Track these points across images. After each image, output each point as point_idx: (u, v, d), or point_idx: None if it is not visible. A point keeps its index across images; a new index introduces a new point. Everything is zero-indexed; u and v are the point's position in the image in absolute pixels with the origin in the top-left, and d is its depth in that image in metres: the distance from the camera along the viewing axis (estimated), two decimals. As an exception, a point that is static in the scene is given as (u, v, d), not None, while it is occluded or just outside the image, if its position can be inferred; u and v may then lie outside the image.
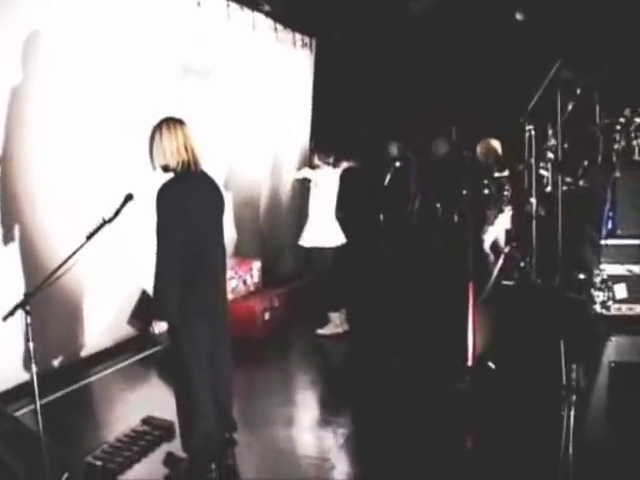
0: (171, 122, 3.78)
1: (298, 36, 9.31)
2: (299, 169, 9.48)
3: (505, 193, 7.10)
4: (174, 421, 4.21)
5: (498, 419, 4.54)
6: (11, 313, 3.21)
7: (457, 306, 5.73)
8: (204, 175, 3.91)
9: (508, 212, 7.15)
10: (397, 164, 9.30)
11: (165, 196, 3.68)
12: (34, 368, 3.25)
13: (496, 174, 7.32)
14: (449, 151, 8.85)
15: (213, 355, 3.94)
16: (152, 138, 3.77)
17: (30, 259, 5.26)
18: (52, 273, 3.36)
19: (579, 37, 7.79)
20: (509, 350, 4.89)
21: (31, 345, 3.22)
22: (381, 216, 9.47)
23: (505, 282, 5.45)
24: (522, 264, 5.62)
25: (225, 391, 4.10)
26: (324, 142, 7.27)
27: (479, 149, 7.44)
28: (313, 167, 7.01)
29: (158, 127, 3.77)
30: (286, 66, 9.00)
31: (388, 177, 9.37)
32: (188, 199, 3.70)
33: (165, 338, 5.90)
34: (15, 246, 5.22)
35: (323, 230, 6.82)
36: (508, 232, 7.28)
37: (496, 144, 7.45)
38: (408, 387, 5.31)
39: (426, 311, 6.65)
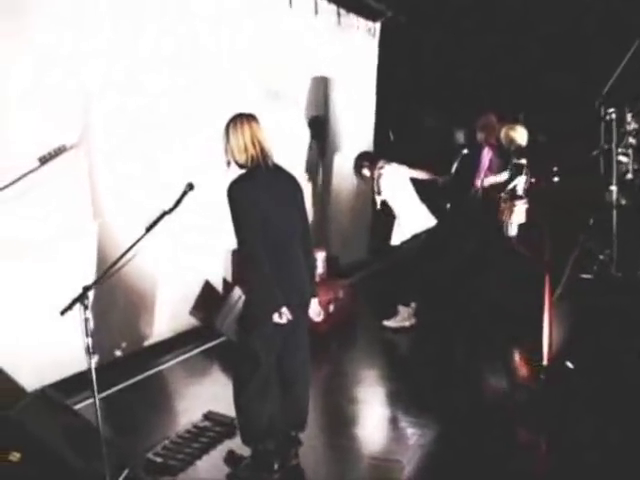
0: (238, 119, 3.69)
1: (362, 21, 9.08)
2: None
3: (519, 183, 6.73)
4: (234, 417, 4.08)
5: (575, 423, 4.28)
6: (69, 307, 3.14)
7: (531, 299, 5.49)
8: (277, 169, 3.77)
9: (523, 204, 6.74)
10: (465, 151, 9.02)
11: (234, 193, 3.59)
12: (93, 364, 3.17)
13: (514, 160, 6.94)
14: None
15: (289, 347, 3.81)
16: (224, 136, 3.72)
17: (100, 251, 5.26)
18: (110, 266, 3.28)
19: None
20: (587, 349, 4.61)
21: (89, 340, 3.13)
22: (447, 205, 9.22)
23: (583, 275, 5.15)
24: (601, 256, 5.31)
25: (298, 387, 3.94)
26: (369, 153, 7.00)
27: (502, 134, 7.01)
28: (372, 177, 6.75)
29: (227, 125, 3.71)
30: (349, 52, 8.78)
31: (455, 165, 9.11)
32: (258, 194, 3.59)
33: (232, 331, 5.91)
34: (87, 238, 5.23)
35: (414, 218, 6.61)
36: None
37: (517, 131, 6.96)
38: (480, 386, 5.09)
39: (498, 305, 6.38)
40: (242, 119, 3.67)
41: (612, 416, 4.22)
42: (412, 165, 6.80)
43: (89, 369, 3.19)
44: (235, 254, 6.85)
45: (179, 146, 5.93)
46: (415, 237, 6.58)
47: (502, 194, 6.88)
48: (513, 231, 6.85)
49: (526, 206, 6.74)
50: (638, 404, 4.26)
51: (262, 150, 3.65)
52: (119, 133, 5.36)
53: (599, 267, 5.23)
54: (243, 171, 3.69)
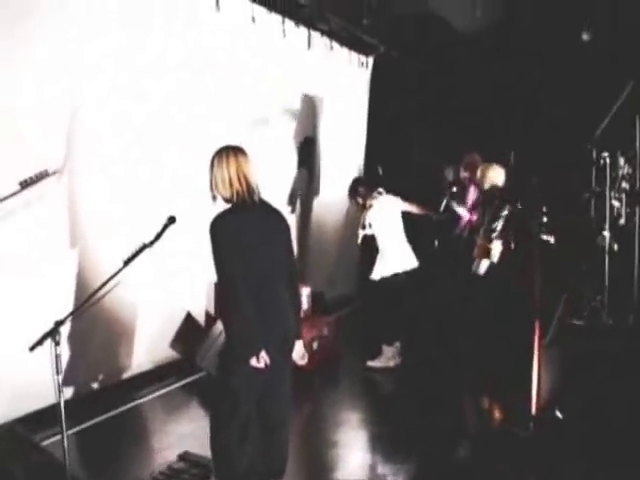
0: (224, 152, 3.56)
1: (354, 55, 9.07)
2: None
3: (496, 225, 6.67)
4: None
5: (564, 473, 4.14)
6: (39, 342, 2.99)
7: (519, 343, 5.37)
8: (262, 204, 3.64)
9: (498, 245, 6.68)
10: (454, 189, 8.97)
11: (216, 229, 3.45)
12: (62, 402, 3.02)
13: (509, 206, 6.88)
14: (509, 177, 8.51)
15: (269, 391, 3.65)
16: (209, 170, 3.59)
17: (78, 286, 5.12)
18: (86, 300, 3.14)
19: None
20: (577, 396, 4.49)
21: (60, 378, 2.99)
22: (435, 242, 9.14)
23: (573, 321, 5.05)
24: (593, 302, 5.21)
25: (278, 432, 3.77)
26: (366, 179, 6.91)
27: (479, 174, 6.92)
28: (364, 206, 6.66)
29: (212, 158, 3.58)
30: (341, 85, 8.75)
31: (444, 202, 9.05)
32: (242, 230, 3.46)
33: (212, 366, 5.76)
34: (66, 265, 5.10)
35: (398, 256, 6.52)
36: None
37: (494, 170, 6.89)
38: (466, 432, 4.94)
39: (485, 349, 6.26)
40: (228, 152, 3.54)
41: (600, 462, 4.08)
42: (407, 199, 6.71)
43: (59, 407, 3.04)
44: (217, 286, 6.72)
45: (164, 173, 5.83)
46: (395, 275, 6.47)
47: (480, 232, 6.82)
48: (482, 269, 6.77)
49: (501, 248, 6.69)
50: (626, 451, 4.12)
51: (248, 185, 3.52)
52: (102, 157, 5.26)
53: (590, 313, 5.14)
54: (228, 206, 3.56)
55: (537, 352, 4.45)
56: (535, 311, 4.51)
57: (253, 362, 3.40)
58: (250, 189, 3.52)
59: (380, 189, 6.59)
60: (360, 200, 6.67)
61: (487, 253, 6.67)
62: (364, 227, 6.60)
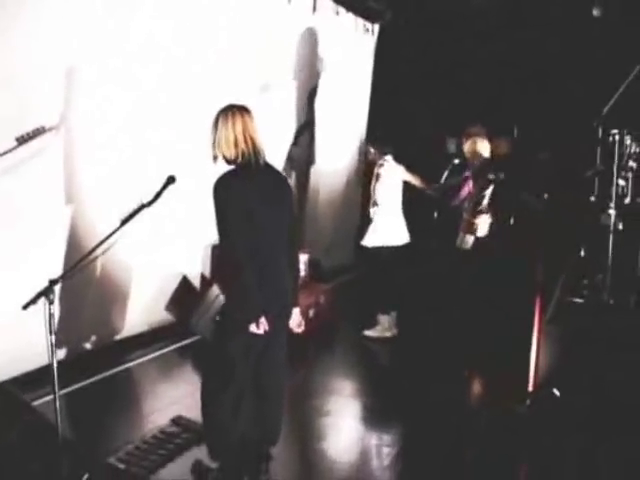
0: (229, 110, 3.41)
1: (360, 20, 8.90)
2: (356, 167, 9.16)
3: (482, 200, 6.64)
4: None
5: (556, 451, 4.12)
6: (33, 301, 2.92)
7: (517, 318, 5.34)
8: (267, 167, 3.52)
9: (485, 220, 6.65)
10: (456, 161, 8.88)
11: (220, 190, 3.34)
12: (54, 364, 2.96)
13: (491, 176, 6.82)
14: (512, 151, 8.44)
15: (265, 359, 3.58)
16: (212, 128, 3.44)
17: (71, 245, 5.03)
18: (81, 259, 3.07)
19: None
20: (576, 376, 4.45)
21: (53, 338, 2.92)
22: (435, 213, 9.07)
23: (573, 299, 4.99)
24: (594, 281, 5.15)
25: (273, 400, 3.72)
26: (383, 136, 6.78)
27: (466, 148, 6.85)
28: (371, 162, 6.59)
29: (217, 116, 3.43)
30: (346, 51, 8.60)
31: (445, 174, 8.96)
32: (246, 193, 3.35)
33: (207, 331, 5.72)
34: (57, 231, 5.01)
35: (388, 228, 6.43)
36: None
37: (483, 145, 6.79)
38: (460, 405, 4.91)
39: (483, 322, 6.21)
40: (234, 110, 3.41)
41: (598, 438, 4.06)
42: (409, 169, 6.61)
43: (51, 367, 2.99)
44: (215, 249, 6.65)
45: (162, 134, 5.71)
46: (385, 247, 6.41)
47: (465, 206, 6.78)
48: (468, 244, 6.73)
49: (490, 220, 6.65)
50: (624, 427, 4.10)
51: (254, 146, 3.40)
52: (100, 116, 5.13)
53: (591, 292, 5.08)
54: (231, 167, 3.45)
55: (537, 328, 4.41)
56: (537, 287, 4.46)
57: (252, 328, 3.33)
58: (256, 150, 3.41)
59: (387, 156, 6.48)
60: (372, 152, 6.55)
61: (472, 228, 6.65)
62: (375, 204, 6.50)
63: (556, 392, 4.34)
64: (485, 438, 4.39)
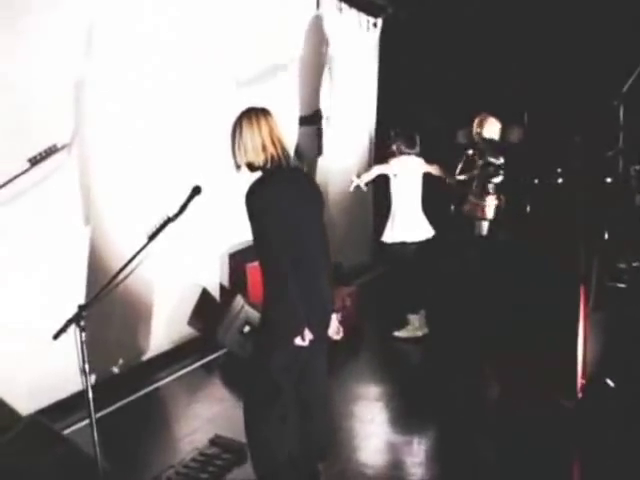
0: (253, 114, 3.24)
1: (363, 16, 8.73)
2: (367, 161, 8.98)
3: (494, 180, 6.53)
4: (244, 442, 3.68)
5: (611, 447, 3.93)
6: (63, 329, 2.75)
7: (554, 308, 5.17)
8: (297, 170, 3.39)
9: (493, 201, 6.55)
10: (470, 152, 8.72)
11: (257, 200, 3.16)
12: (90, 392, 2.79)
13: (491, 159, 6.71)
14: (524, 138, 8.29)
15: (308, 371, 3.43)
16: (232, 134, 3.25)
17: (92, 265, 4.89)
18: (110, 281, 2.89)
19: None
20: (627, 364, 4.26)
21: (86, 367, 2.75)
22: (452, 207, 8.91)
23: (613, 284, 4.81)
24: (635, 264, 4.97)
25: (319, 414, 3.55)
26: (407, 131, 6.58)
27: (475, 128, 6.81)
28: (387, 158, 6.41)
29: (238, 121, 3.24)
30: (351, 48, 8.44)
31: (460, 165, 8.80)
32: (284, 199, 3.18)
33: (234, 343, 5.56)
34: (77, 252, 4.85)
35: (408, 224, 6.25)
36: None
37: (492, 126, 6.75)
38: (503, 404, 4.73)
39: (518, 314, 6.04)
40: (257, 114, 3.24)
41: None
42: (428, 161, 6.44)
43: (87, 399, 2.82)
44: (232, 258, 6.48)
45: (176, 144, 5.57)
46: (404, 244, 6.24)
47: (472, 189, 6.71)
48: (484, 230, 6.63)
49: (496, 202, 6.55)
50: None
51: (283, 149, 3.23)
52: (114, 131, 5.00)
53: (632, 275, 4.89)
54: (258, 174, 3.27)
55: (583, 316, 4.22)
56: (579, 275, 4.28)
57: (298, 341, 3.16)
58: (285, 153, 3.24)
59: (415, 149, 6.31)
60: (395, 148, 6.35)
61: (482, 212, 6.56)
62: (358, 176, 6.40)
63: (610, 383, 4.16)
64: (530, 437, 4.20)
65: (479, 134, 6.76)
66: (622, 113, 6.45)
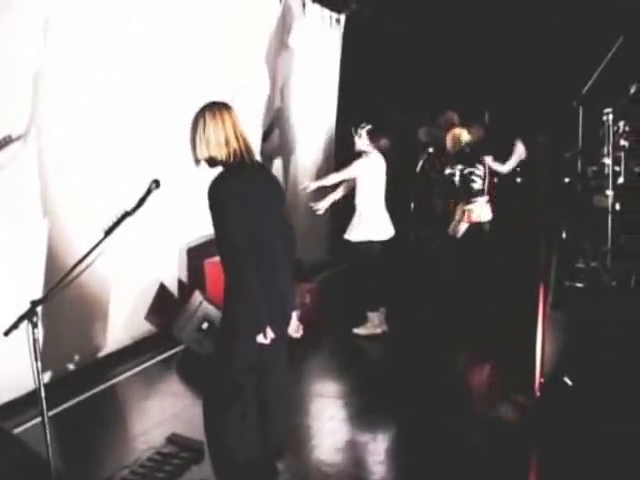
0: (215, 108, 3.16)
1: (326, 11, 8.69)
2: (325, 160, 8.94)
3: (474, 185, 6.67)
4: (203, 440, 3.62)
5: (569, 444, 3.96)
6: (15, 326, 2.66)
7: (513, 307, 5.21)
8: (260, 166, 3.31)
9: (484, 203, 6.69)
10: (430, 150, 8.76)
11: (220, 194, 3.08)
12: (42, 391, 2.70)
13: (459, 165, 6.85)
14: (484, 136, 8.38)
15: (270, 369, 3.39)
16: (194, 128, 3.16)
17: (49, 260, 4.77)
18: (64, 277, 2.81)
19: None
20: (584, 362, 4.31)
21: (38, 365, 2.66)
22: (412, 205, 8.93)
23: (572, 284, 4.86)
24: (593, 264, 5.04)
25: (278, 411, 3.51)
26: (376, 126, 6.50)
27: (449, 142, 6.96)
28: (350, 158, 6.34)
29: (201, 115, 3.15)
30: (314, 43, 8.39)
31: (420, 163, 8.83)
32: (247, 194, 3.11)
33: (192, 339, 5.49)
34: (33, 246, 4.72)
35: (374, 222, 6.20)
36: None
37: (461, 132, 6.91)
38: (459, 401, 4.74)
39: (475, 312, 6.08)
40: (220, 108, 3.16)
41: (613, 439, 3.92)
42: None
43: (39, 397, 2.73)
44: (191, 253, 6.39)
45: (135, 137, 5.48)
46: (370, 242, 6.19)
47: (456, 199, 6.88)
48: (459, 233, 6.79)
49: (487, 203, 6.70)
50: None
51: (246, 144, 3.17)
52: (72, 123, 4.89)
53: (590, 276, 4.95)
54: (217, 170, 3.20)
55: (542, 315, 4.26)
56: (539, 274, 4.31)
57: (260, 338, 3.11)
58: (248, 148, 3.18)
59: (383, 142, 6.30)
60: (365, 144, 6.21)
61: (468, 215, 6.67)
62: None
63: (568, 381, 4.19)
64: (489, 435, 4.24)
65: (457, 143, 6.85)
66: (581, 114, 6.57)
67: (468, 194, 6.71)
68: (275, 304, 3.18)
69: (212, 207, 3.08)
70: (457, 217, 6.90)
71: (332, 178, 6.39)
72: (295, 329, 3.49)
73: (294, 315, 3.45)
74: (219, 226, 3.09)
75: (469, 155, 6.84)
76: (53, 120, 4.75)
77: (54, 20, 4.64)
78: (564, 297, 4.71)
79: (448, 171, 7.01)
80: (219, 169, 3.20)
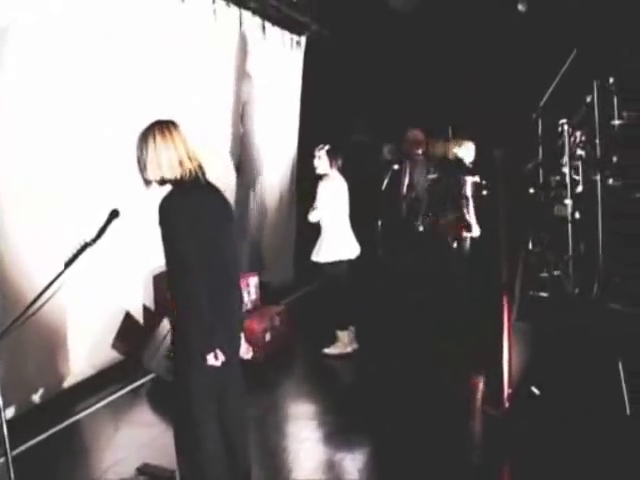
0: (164, 127, 3.11)
1: (287, 34, 8.74)
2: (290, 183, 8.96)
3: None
4: (174, 469, 3.58)
5: (540, 453, 3.99)
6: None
7: (476, 319, 5.24)
8: (210, 185, 3.27)
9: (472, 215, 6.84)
10: (395, 167, 8.84)
11: (173, 215, 3.04)
12: (5, 429, 2.66)
13: (430, 175, 6.96)
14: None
15: (225, 395, 3.33)
16: (144, 148, 3.10)
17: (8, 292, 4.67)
18: (23, 313, 2.77)
19: (593, 24, 7.33)
20: (550, 372, 4.34)
21: (1, 401, 2.61)
22: (379, 222, 8.98)
23: (536, 293, 4.92)
24: (556, 273, 5.10)
25: (240, 433, 3.46)
26: (333, 146, 6.50)
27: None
28: (314, 180, 6.35)
29: (151, 135, 3.09)
30: (274, 66, 8.42)
31: (386, 181, 8.90)
32: (200, 214, 3.07)
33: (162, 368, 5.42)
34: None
35: (340, 242, 6.21)
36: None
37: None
38: (433, 416, 4.75)
39: (443, 326, 6.12)
40: (169, 127, 3.11)
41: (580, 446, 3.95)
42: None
43: (1, 436, 2.68)
44: (156, 279, 6.34)
45: (95, 162, 5.45)
46: (338, 262, 6.19)
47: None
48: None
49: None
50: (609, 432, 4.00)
51: (198, 163, 3.14)
52: (31, 149, 4.83)
53: (554, 285, 5.01)
54: (169, 188, 3.14)
55: (507, 327, 4.29)
56: (502, 285, 4.36)
57: (211, 360, 3.07)
58: (201, 167, 3.15)
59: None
60: (327, 165, 6.22)
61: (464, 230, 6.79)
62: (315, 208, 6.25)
63: (535, 391, 4.23)
64: (460, 447, 4.25)
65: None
66: (540, 126, 6.68)
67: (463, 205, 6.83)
68: (227, 325, 3.16)
69: (162, 223, 3.05)
70: (453, 233, 6.99)
71: (314, 215, 6.25)
72: (245, 351, 3.46)
73: (242, 337, 3.42)
74: (170, 243, 3.07)
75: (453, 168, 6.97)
76: (9, 145, 4.68)
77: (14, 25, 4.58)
78: (528, 307, 4.76)
79: (431, 176, 7.09)
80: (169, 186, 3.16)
